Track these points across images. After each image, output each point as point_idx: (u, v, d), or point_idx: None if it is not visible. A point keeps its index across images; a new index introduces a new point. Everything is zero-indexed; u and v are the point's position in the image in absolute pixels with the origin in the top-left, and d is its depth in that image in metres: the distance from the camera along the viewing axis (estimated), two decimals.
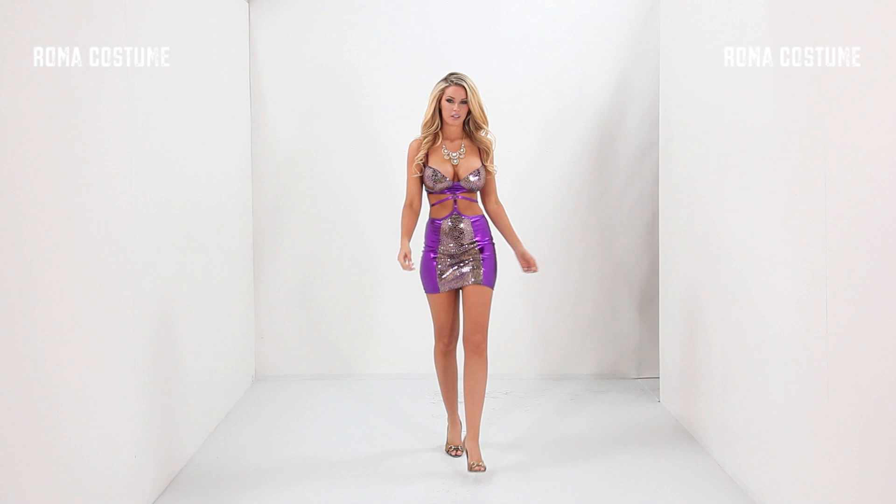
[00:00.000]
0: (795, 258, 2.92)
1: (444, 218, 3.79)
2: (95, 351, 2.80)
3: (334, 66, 5.32)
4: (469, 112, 3.79)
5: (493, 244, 3.86)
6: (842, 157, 2.60)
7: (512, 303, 5.30)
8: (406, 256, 3.75)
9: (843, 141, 2.59)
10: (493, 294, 3.82)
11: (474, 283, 3.76)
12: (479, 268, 3.78)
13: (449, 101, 3.75)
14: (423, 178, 3.82)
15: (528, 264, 3.90)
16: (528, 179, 5.34)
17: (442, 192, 3.80)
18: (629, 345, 5.43)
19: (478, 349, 3.74)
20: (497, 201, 3.94)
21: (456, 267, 3.78)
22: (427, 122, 3.80)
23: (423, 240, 3.91)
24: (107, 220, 2.88)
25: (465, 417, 3.78)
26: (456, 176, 3.79)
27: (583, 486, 3.52)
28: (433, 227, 3.82)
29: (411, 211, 3.88)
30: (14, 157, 2.31)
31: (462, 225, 3.78)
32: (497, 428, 4.28)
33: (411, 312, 5.24)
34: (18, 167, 2.33)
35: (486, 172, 3.84)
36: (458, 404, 3.99)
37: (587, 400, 4.90)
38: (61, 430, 2.56)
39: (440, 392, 4.01)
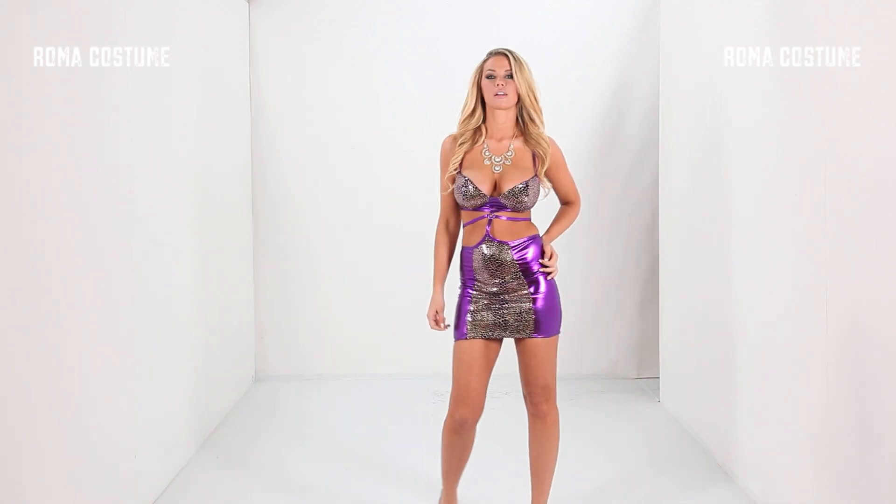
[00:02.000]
0: (795, 257, 2.92)
1: (479, 244, 2.81)
2: (95, 351, 2.80)
3: (334, 66, 5.32)
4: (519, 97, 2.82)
5: (544, 265, 2.89)
6: (842, 157, 2.60)
7: None
8: (437, 314, 2.90)
9: (843, 141, 2.59)
10: (558, 340, 2.92)
11: (522, 336, 2.84)
12: (528, 313, 2.81)
13: (490, 76, 2.80)
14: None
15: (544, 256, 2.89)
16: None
17: (477, 208, 2.81)
18: (629, 345, 5.43)
19: (536, 408, 2.90)
20: (571, 200, 3.01)
21: (495, 309, 2.82)
22: (467, 116, 2.85)
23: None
24: (106, 220, 2.88)
25: (531, 492, 3.05)
26: (496, 189, 2.79)
27: (582, 486, 3.52)
28: (467, 255, 2.86)
29: (446, 236, 2.96)
30: (14, 158, 2.31)
31: (502, 255, 2.79)
32: (496, 428, 4.28)
33: (412, 312, 5.23)
34: (18, 167, 2.33)
35: (552, 182, 2.90)
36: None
37: (587, 400, 4.90)
38: (61, 430, 2.56)
39: (440, 467, 3.03)
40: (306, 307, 5.42)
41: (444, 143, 2.92)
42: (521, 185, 2.78)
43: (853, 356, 2.56)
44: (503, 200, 2.78)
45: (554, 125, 5.37)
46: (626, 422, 4.46)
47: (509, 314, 2.81)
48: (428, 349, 4.99)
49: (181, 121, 3.76)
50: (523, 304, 2.82)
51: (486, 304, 2.82)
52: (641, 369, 5.43)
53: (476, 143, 2.85)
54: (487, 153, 2.83)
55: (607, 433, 4.26)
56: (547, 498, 3.01)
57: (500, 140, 2.86)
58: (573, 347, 5.43)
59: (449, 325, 2.92)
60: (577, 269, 5.39)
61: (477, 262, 2.81)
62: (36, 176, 2.43)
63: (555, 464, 2.97)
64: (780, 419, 3.09)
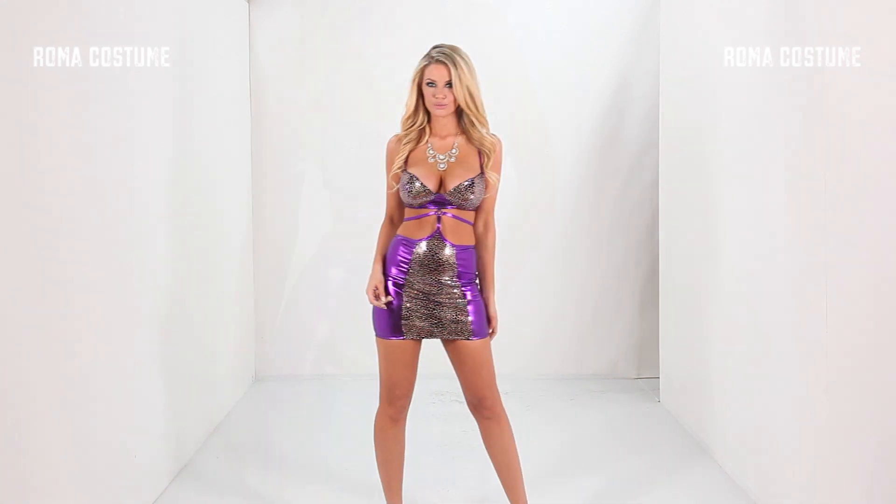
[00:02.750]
0: (795, 257, 2.92)
1: (420, 240, 2.79)
2: (95, 351, 2.80)
3: (334, 65, 5.32)
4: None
5: (477, 280, 2.91)
6: (842, 157, 2.60)
7: (512, 303, 5.30)
8: (377, 289, 2.81)
9: (843, 141, 2.59)
10: (490, 342, 2.85)
11: (459, 338, 2.80)
12: (464, 315, 2.79)
13: (430, 84, 2.77)
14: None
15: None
16: (527, 180, 5.34)
17: (423, 205, 2.80)
18: (629, 345, 5.43)
19: (491, 411, 2.83)
20: (488, 223, 2.91)
21: (430, 308, 2.78)
22: (408, 117, 2.85)
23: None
24: (106, 220, 2.89)
25: (510, 499, 2.95)
26: (442, 186, 2.78)
27: (582, 487, 3.52)
28: (403, 248, 2.82)
29: (391, 227, 2.96)
30: (13, 158, 2.31)
31: (443, 255, 2.77)
32: None
33: None
34: (17, 167, 2.33)
35: (486, 184, 2.83)
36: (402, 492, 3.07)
37: (587, 400, 4.90)
38: (61, 431, 2.57)
39: (379, 475, 3.01)
40: (306, 307, 5.42)
41: (388, 142, 2.93)
42: (466, 183, 2.77)
43: (852, 356, 2.56)
44: (449, 198, 2.77)
45: (554, 125, 5.41)
46: (626, 422, 4.46)
47: (444, 315, 2.78)
48: (428, 349, 5.00)
49: (181, 121, 3.76)
50: (458, 308, 2.79)
51: (420, 304, 2.78)
52: (641, 369, 5.43)
53: (421, 141, 2.86)
54: (432, 151, 2.82)
55: (607, 433, 4.26)
56: (526, 498, 2.94)
57: (445, 138, 2.85)
58: (573, 347, 5.43)
59: (391, 301, 2.80)
60: (577, 269, 5.39)
61: (416, 256, 2.78)
62: (35, 176, 2.43)
63: (520, 462, 2.93)
64: (780, 419, 3.09)
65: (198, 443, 3.99)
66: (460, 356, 2.82)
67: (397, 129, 5.74)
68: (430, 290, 2.78)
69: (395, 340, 2.82)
